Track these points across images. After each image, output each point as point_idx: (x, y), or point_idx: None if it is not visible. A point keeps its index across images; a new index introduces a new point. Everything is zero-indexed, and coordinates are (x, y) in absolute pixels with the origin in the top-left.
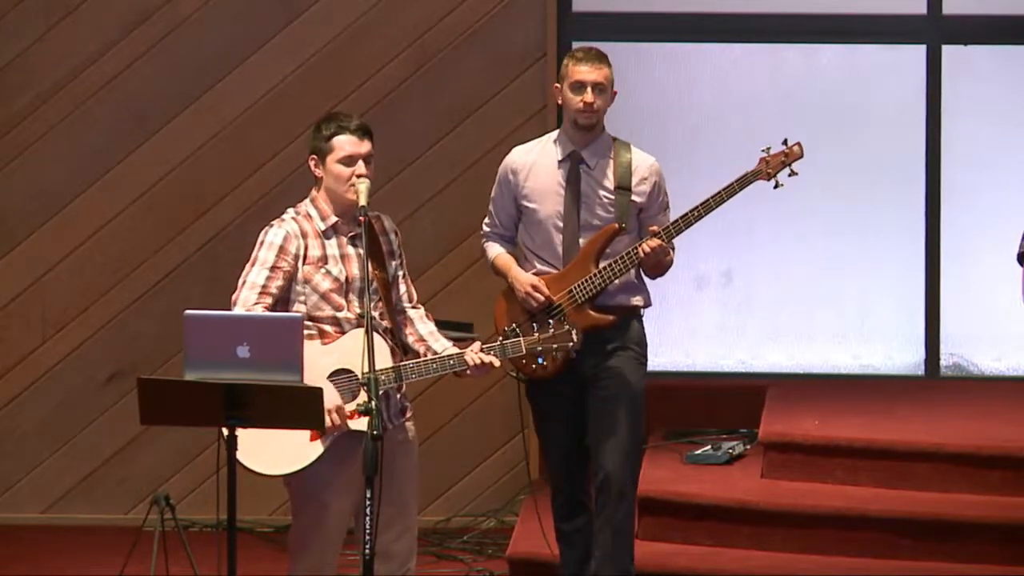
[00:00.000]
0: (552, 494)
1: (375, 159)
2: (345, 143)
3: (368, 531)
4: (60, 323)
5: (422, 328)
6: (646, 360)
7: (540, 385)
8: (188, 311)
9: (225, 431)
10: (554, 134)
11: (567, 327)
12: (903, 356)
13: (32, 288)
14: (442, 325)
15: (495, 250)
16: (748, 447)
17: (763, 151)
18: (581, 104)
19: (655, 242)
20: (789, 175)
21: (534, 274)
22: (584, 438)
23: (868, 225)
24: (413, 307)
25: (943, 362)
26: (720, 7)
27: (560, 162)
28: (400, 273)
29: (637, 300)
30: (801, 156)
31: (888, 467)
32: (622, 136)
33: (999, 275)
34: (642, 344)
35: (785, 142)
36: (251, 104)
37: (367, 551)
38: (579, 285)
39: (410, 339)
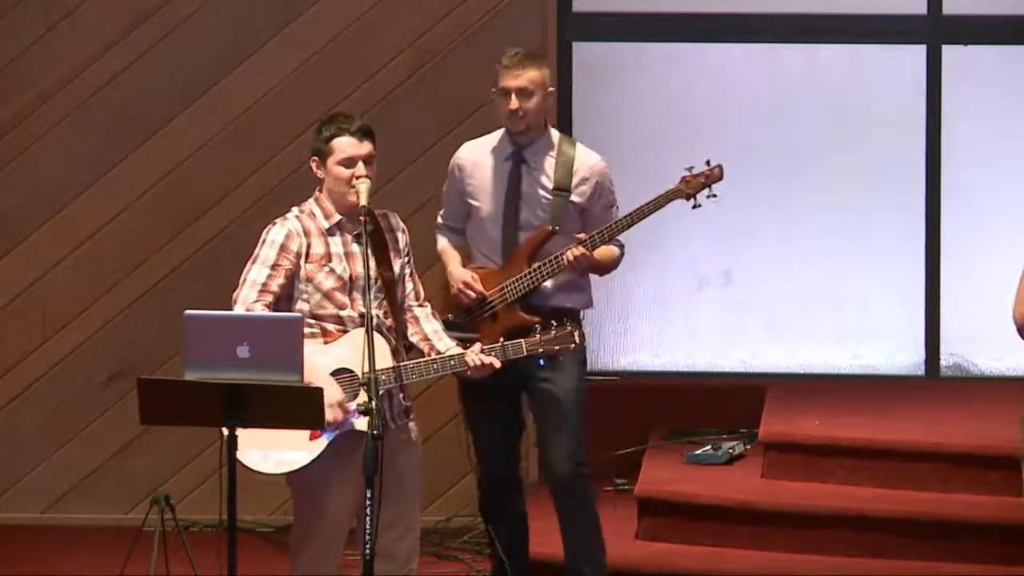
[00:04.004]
0: (483, 479)
1: (376, 159)
2: (345, 145)
3: (368, 531)
4: (60, 323)
5: (427, 327)
6: (584, 358)
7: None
8: (188, 311)
9: (225, 431)
10: (501, 131)
11: (569, 328)
12: (903, 356)
13: (32, 288)
14: (444, 326)
15: (442, 243)
16: (748, 447)
17: (686, 170)
18: (508, 111)
19: (579, 251)
20: (708, 196)
21: (475, 268)
22: (512, 423)
23: (868, 225)
24: (419, 305)
25: (943, 362)
26: (720, 7)
27: (503, 160)
28: (407, 271)
29: (574, 302)
30: (720, 178)
31: (888, 467)
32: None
33: (999, 275)
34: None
35: (707, 163)
36: (251, 104)
37: (367, 551)
38: (511, 284)
39: (415, 337)
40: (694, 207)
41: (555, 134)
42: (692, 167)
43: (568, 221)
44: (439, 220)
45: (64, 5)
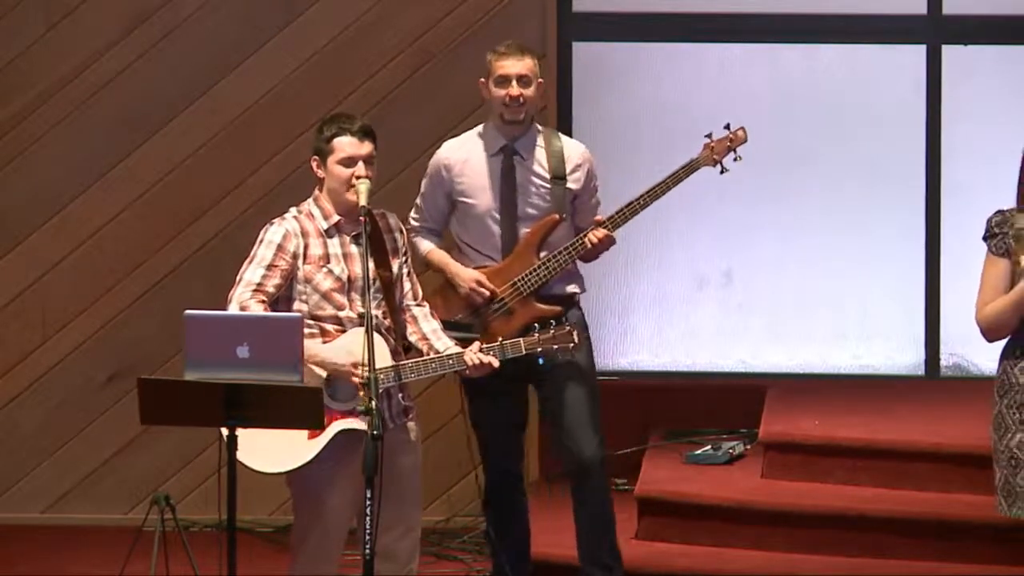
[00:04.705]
0: (488, 475)
1: (376, 159)
2: (345, 144)
3: (368, 531)
4: (60, 323)
5: (425, 326)
6: (590, 343)
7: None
8: (188, 311)
9: (225, 431)
10: (480, 128)
11: (567, 327)
12: (903, 356)
13: (32, 288)
14: (442, 325)
15: (427, 245)
16: (748, 447)
17: (706, 137)
18: (507, 98)
19: (602, 232)
20: (734, 160)
21: (474, 268)
22: (518, 419)
23: (868, 225)
24: (418, 305)
25: (943, 362)
26: (720, 7)
27: (493, 155)
28: (405, 271)
29: (574, 288)
30: (745, 140)
31: (888, 467)
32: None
33: None
34: (585, 328)
35: (727, 127)
36: (251, 104)
37: (367, 551)
38: (523, 277)
39: (413, 337)
40: (721, 172)
41: (537, 126)
42: (711, 133)
43: (565, 209)
44: (413, 224)
45: (64, 5)
